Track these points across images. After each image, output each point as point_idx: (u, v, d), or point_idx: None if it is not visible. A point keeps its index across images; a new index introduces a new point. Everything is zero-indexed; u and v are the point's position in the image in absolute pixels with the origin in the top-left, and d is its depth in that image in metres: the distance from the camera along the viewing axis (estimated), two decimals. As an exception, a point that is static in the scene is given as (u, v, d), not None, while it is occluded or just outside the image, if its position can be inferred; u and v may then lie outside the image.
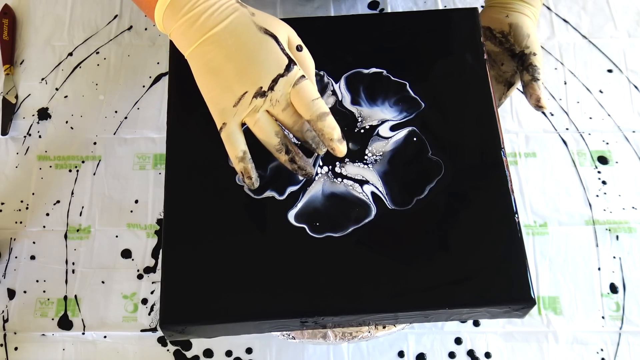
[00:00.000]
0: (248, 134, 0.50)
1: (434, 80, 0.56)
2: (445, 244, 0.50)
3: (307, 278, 0.49)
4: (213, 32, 0.48)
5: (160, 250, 0.51)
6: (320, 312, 0.48)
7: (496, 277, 0.49)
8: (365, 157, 0.53)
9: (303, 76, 0.48)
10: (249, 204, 0.51)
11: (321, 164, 0.53)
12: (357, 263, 0.49)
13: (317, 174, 0.52)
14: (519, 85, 0.63)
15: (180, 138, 0.54)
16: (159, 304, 0.49)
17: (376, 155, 0.53)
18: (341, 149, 0.49)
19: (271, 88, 0.47)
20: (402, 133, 0.54)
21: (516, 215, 0.50)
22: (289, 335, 0.58)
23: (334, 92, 0.56)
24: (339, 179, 0.52)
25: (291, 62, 0.48)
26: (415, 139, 0.54)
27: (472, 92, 0.55)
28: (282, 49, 0.48)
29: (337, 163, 0.53)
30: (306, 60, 0.51)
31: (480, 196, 0.51)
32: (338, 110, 0.55)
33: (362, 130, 0.54)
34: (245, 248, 0.50)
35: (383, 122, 0.54)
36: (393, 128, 0.54)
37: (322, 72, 0.56)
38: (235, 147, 0.49)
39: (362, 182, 0.52)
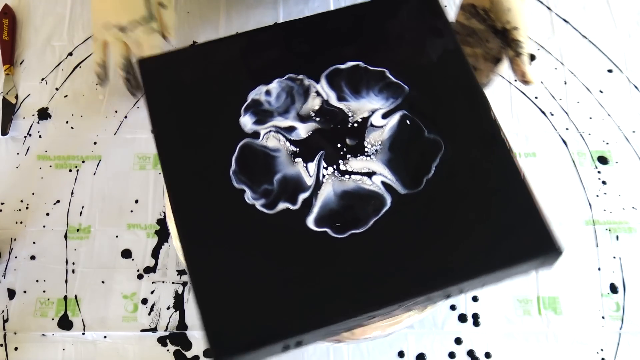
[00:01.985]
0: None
1: (411, 62, 0.56)
2: (464, 217, 0.50)
3: (344, 278, 0.48)
4: None
5: (190, 290, 0.50)
6: (369, 308, 0.48)
7: (520, 236, 0.49)
8: (366, 149, 0.53)
9: (154, 30, 0.64)
10: (265, 221, 0.50)
11: (325, 165, 0.53)
12: (388, 252, 0.49)
13: (323, 175, 0.52)
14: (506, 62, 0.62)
15: (178, 170, 0.53)
16: (208, 341, 0.47)
17: (376, 146, 0.53)
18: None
19: (131, 30, 0.63)
20: (395, 119, 0.54)
21: (522, 175, 0.51)
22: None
23: (318, 94, 0.56)
24: (347, 176, 0.52)
25: (151, 18, 0.63)
26: (408, 122, 0.54)
27: (450, 66, 0.56)
28: (148, 4, 0.63)
29: (340, 161, 0.53)
30: (166, 16, 0.65)
31: (485, 163, 0.52)
32: (327, 110, 0.55)
33: (356, 124, 0.54)
34: (273, 266, 0.49)
35: (373, 112, 0.54)
36: (384, 115, 0.54)
37: (300, 76, 0.56)
38: (97, 55, 0.65)
39: (369, 174, 0.52)
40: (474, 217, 0.50)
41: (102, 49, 0.65)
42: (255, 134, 0.53)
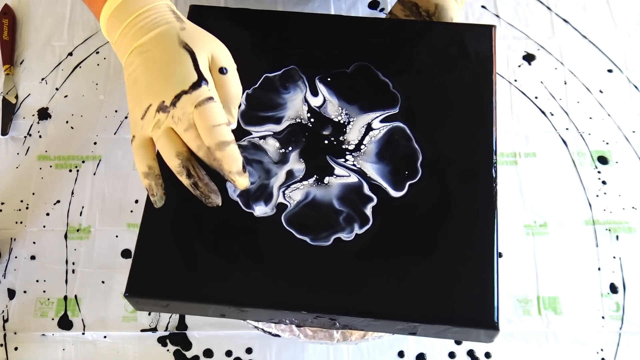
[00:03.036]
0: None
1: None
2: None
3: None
4: (139, 42, 0.48)
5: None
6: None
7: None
8: (341, 120, 0.56)
9: (211, 98, 0.46)
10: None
11: (343, 159, 0.54)
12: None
13: (352, 165, 0.54)
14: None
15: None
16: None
17: (341, 112, 0.56)
18: (241, 181, 0.47)
19: (173, 104, 0.45)
20: (321, 87, 0.57)
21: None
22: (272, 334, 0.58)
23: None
24: (363, 146, 0.54)
25: (202, 81, 0.46)
26: (328, 79, 0.57)
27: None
28: (197, 67, 0.46)
29: (344, 147, 0.54)
30: (228, 85, 0.48)
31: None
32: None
33: (310, 124, 0.56)
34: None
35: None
36: (313, 93, 0.57)
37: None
38: (140, 162, 0.48)
39: (368, 128, 0.55)
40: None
41: (144, 150, 0.48)
42: (281, 206, 0.53)
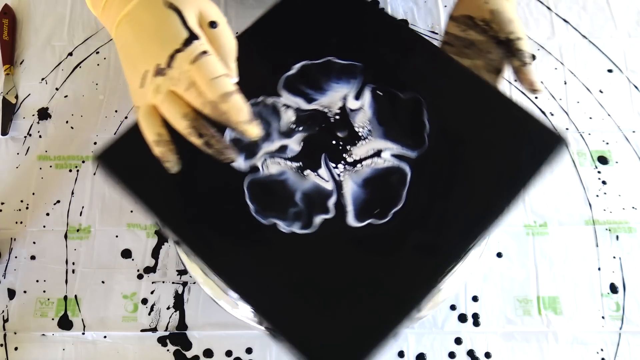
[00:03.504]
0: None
1: (349, 41, 0.58)
2: (475, 152, 0.52)
3: (406, 262, 0.49)
4: (126, 11, 0.46)
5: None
6: (446, 266, 0.49)
7: (529, 145, 0.52)
8: (359, 133, 0.54)
9: (205, 52, 0.44)
10: (311, 241, 0.50)
11: (334, 164, 0.53)
12: (432, 217, 0.50)
13: (338, 175, 0.52)
14: (509, 71, 0.61)
15: (200, 237, 0.51)
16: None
17: (366, 126, 0.54)
18: (251, 130, 0.45)
19: (169, 65, 0.44)
20: (367, 95, 0.56)
21: (502, 91, 0.54)
22: None
23: (287, 106, 0.55)
24: (359, 165, 0.53)
25: (192, 37, 0.44)
26: (380, 92, 0.55)
27: (383, 30, 0.58)
28: (185, 24, 0.45)
29: (345, 155, 0.53)
30: (221, 37, 0.46)
31: (465, 99, 0.54)
32: (304, 116, 0.55)
33: (337, 117, 0.55)
34: (331, 281, 0.49)
35: (345, 98, 0.55)
36: (356, 97, 0.55)
37: (260, 99, 0.55)
38: (148, 131, 0.45)
39: (377, 154, 0.53)
40: (483, 148, 0.52)
41: (150, 118, 0.46)
42: (254, 169, 0.53)
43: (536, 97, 0.77)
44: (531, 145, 0.52)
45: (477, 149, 0.52)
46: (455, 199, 0.51)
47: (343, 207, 0.51)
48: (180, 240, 0.50)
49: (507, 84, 0.77)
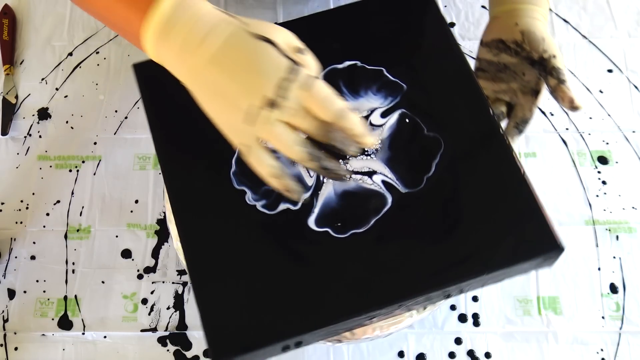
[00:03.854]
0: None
1: (408, 61, 0.56)
2: (465, 214, 0.50)
3: (344, 278, 0.48)
4: (210, 54, 0.45)
5: (190, 290, 0.50)
6: (369, 307, 0.47)
7: (522, 234, 0.49)
8: (366, 148, 0.53)
9: (313, 76, 0.44)
10: (266, 222, 0.50)
11: None
12: (388, 251, 0.49)
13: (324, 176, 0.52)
14: (546, 91, 0.60)
15: (178, 171, 0.53)
16: (207, 343, 0.47)
17: (376, 145, 0.53)
18: (371, 140, 0.46)
19: (281, 95, 0.43)
20: (394, 117, 0.54)
21: (522, 172, 0.51)
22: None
23: None
24: (348, 177, 0.52)
25: (295, 64, 0.44)
26: (407, 120, 0.54)
27: (447, 64, 0.56)
28: (281, 52, 0.44)
29: (341, 161, 0.53)
30: (310, 62, 0.47)
31: (485, 161, 0.52)
32: None
33: None
34: (274, 265, 0.49)
35: (372, 111, 0.54)
36: (383, 114, 0.54)
37: None
38: (264, 167, 0.45)
39: (370, 174, 0.52)
40: (475, 215, 0.50)
41: (260, 152, 0.45)
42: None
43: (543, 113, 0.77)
44: (524, 239, 0.49)
45: (468, 215, 0.50)
46: (412, 251, 0.49)
47: (310, 207, 0.51)
48: (161, 167, 0.53)
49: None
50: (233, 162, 0.52)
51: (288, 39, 0.47)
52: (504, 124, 0.63)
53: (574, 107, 0.56)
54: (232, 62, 0.44)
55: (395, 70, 0.56)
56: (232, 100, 0.44)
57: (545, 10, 0.60)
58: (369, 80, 0.56)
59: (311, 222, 0.50)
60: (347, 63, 0.56)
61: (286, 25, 0.55)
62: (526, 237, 0.49)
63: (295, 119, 0.44)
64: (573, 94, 0.56)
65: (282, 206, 0.51)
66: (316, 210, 0.51)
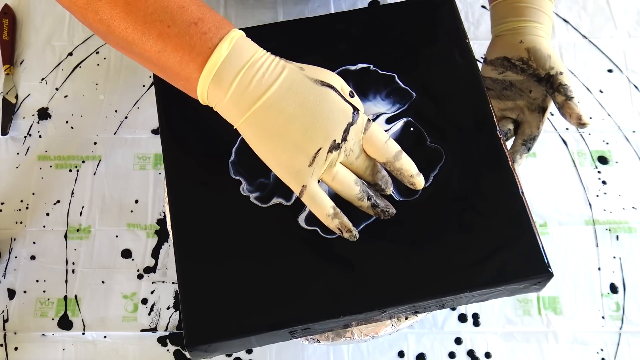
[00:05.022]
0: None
1: (422, 70, 0.56)
2: (457, 229, 0.50)
3: (325, 279, 0.48)
4: (268, 95, 0.45)
5: (175, 269, 0.50)
6: (341, 313, 0.48)
7: (511, 255, 0.49)
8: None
9: (369, 120, 0.47)
10: (257, 214, 0.51)
11: None
12: (373, 257, 0.49)
13: None
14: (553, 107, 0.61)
15: (177, 156, 0.53)
16: (183, 327, 0.48)
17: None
18: (421, 181, 0.49)
19: (344, 139, 0.46)
20: (399, 124, 0.54)
21: (521, 192, 0.51)
22: (313, 340, 0.56)
23: None
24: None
25: (355, 109, 0.47)
26: (412, 128, 0.54)
27: (461, 78, 0.55)
28: (343, 98, 0.47)
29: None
30: (360, 107, 0.49)
31: (484, 177, 0.52)
32: None
33: None
34: (260, 258, 0.49)
35: (378, 115, 0.54)
36: (389, 121, 0.54)
37: None
38: (324, 207, 0.47)
39: None
40: (467, 231, 0.50)
41: (321, 194, 0.47)
42: None
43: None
44: (512, 260, 0.49)
45: (459, 230, 0.50)
46: (397, 260, 0.49)
47: (303, 204, 0.50)
48: (163, 151, 0.53)
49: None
50: (233, 151, 0.53)
51: (342, 84, 0.49)
52: (511, 142, 0.63)
53: (581, 124, 0.57)
54: (294, 105, 0.46)
55: (407, 77, 0.55)
56: (297, 144, 0.46)
57: (548, 27, 0.60)
58: (379, 84, 0.55)
59: (301, 219, 0.50)
60: (360, 65, 0.56)
61: (311, 21, 0.55)
62: (515, 259, 0.49)
63: (352, 159, 0.47)
64: (581, 111, 0.57)
65: (275, 200, 0.51)
66: (308, 209, 0.51)
